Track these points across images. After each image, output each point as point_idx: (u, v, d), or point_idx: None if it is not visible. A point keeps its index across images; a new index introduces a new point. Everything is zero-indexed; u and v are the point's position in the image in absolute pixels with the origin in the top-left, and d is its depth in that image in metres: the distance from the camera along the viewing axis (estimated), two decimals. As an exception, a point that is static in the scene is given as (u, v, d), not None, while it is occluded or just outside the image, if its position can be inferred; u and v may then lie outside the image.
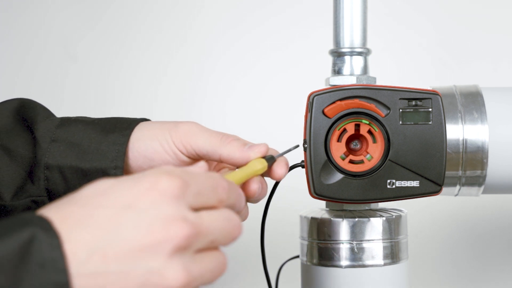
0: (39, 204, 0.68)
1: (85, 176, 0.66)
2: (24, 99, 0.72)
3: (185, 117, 1.17)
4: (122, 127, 0.68)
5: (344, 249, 0.68)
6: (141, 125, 0.69)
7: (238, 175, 0.60)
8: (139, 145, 0.67)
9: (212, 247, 0.50)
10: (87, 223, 0.45)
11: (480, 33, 1.11)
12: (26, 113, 0.71)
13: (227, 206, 0.51)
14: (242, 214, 0.62)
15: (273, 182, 0.71)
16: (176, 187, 0.47)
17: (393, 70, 1.10)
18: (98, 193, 0.47)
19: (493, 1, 1.11)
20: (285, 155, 0.66)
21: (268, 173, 0.64)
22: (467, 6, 1.12)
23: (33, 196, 0.68)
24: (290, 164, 0.70)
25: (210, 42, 1.16)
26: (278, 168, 0.64)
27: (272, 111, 1.14)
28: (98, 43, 1.18)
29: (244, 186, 0.61)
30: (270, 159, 0.63)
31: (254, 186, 0.60)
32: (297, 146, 0.67)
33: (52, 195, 0.68)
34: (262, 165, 0.62)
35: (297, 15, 1.14)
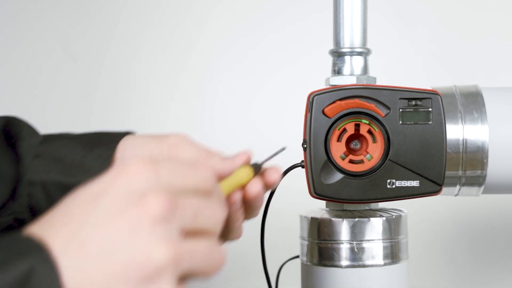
0: (22, 221, 0.66)
1: (69, 192, 0.65)
2: (9, 117, 0.71)
3: (184, 117, 1.17)
4: (107, 141, 0.67)
5: (344, 249, 0.68)
6: (127, 138, 0.67)
7: (222, 186, 0.56)
8: (126, 155, 0.65)
9: (201, 231, 0.47)
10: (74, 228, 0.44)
11: (481, 34, 1.11)
12: (10, 131, 0.69)
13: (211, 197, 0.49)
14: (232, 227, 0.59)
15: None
16: (145, 168, 0.45)
17: (392, 71, 1.10)
18: (82, 201, 0.45)
19: (493, 5, 1.12)
20: (279, 156, 0.64)
21: (263, 183, 0.61)
22: (467, 7, 1.12)
23: (16, 213, 0.66)
24: (290, 164, 0.70)
25: (212, 44, 1.16)
26: (269, 174, 0.60)
27: (272, 111, 1.14)
28: (98, 43, 1.18)
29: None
30: (256, 166, 0.60)
31: (233, 197, 0.57)
32: (284, 148, 0.65)
33: (35, 212, 0.66)
34: (246, 172, 0.58)
35: (297, 14, 1.14)
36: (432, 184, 0.67)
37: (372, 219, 0.68)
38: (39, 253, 0.42)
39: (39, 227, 0.44)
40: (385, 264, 0.69)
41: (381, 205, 0.73)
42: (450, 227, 1.10)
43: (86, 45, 1.18)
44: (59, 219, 0.44)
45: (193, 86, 1.16)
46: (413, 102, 0.67)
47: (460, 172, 0.69)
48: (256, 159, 0.60)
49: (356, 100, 0.66)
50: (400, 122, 0.67)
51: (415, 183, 0.67)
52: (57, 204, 0.46)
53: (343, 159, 0.67)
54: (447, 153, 0.67)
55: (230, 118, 1.15)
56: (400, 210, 0.72)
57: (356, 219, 0.68)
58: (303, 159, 0.69)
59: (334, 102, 0.66)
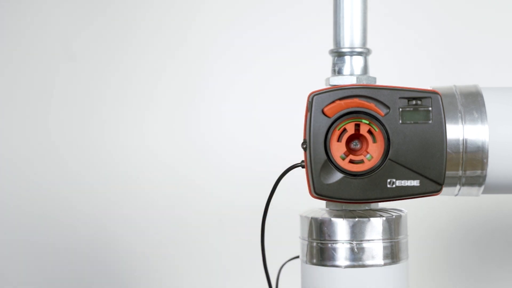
0: None
1: None
2: None
3: (182, 117, 1.17)
4: None
5: (344, 249, 0.68)
6: None
7: None
8: None
9: None
10: None
11: (480, 34, 1.11)
12: None
13: None
14: None
15: (272, 183, 0.71)
16: None
17: (392, 71, 1.10)
18: None
19: (493, 4, 1.12)
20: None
21: None
22: (467, 6, 1.12)
23: None
24: (290, 164, 0.71)
25: (209, 42, 1.16)
26: None
27: (272, 111, 1.14)
28: (97, 42, 1.18)
29: None
30: None
31: None
32: None
33: None
34: None
35: (297, 14, 1.14)
36: (432, 184, 0.67)
37: (372, 219, 0.68)
38: None
39: None
40: (385, 264, 0.69)
41: (381, 205, 0.73)
42: (450, 227, 1.10)
43: (86, 45, 1.18)
44: None
45: (190, 87, 1.16)
46: (413, 102, 0.67)
47: (460, 172, 0.69)
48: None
49: (356, 100, 0.66)
50: (400, 121, 0.67)
51: (415, 183, 0.67)
52: None
53: (343, 159, 0.67)
54: (447, 152, 0.67)
55: (226, 119, 1.15)
56: (400, 210, 0.72)
57: (356, 219, 0.68)
58: (303, 159, 0.69)
59: (333, 101, 0.67)
